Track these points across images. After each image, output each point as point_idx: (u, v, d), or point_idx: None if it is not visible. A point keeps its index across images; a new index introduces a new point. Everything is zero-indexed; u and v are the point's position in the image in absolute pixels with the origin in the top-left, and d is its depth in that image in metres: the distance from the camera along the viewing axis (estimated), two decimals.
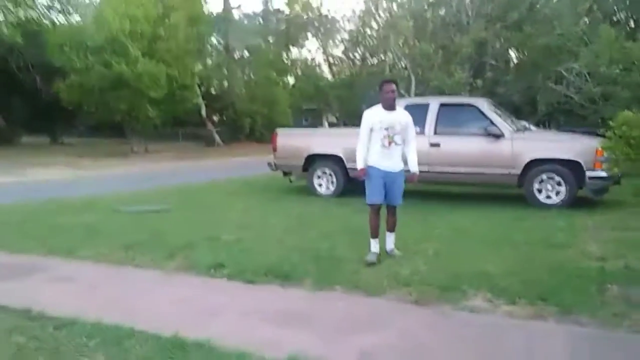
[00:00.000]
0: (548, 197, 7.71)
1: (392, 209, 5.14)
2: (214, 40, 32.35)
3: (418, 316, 3.74)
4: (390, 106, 4.89)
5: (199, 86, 27.35)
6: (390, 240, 5.16)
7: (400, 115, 4.96)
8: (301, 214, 7.47)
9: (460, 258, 5.04)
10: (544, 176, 7.68)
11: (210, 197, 9.41)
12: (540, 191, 7.74)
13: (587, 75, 14.43)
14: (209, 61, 31.48)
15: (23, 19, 23.29)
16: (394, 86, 4.90)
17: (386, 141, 4.86)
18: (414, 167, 5.16)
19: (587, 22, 15.32)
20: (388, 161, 4.92)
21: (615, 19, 19.39)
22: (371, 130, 4.88)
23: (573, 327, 3.49)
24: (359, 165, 4.97)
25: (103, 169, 17.28)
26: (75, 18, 24.42)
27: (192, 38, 23.03)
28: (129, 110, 21.06)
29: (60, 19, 25.08)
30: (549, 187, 7.69)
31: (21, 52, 23.16)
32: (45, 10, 24.09)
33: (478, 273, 4.54)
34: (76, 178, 14.80)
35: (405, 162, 5.13)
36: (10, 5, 21.49)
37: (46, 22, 24.79)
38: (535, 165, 7.72)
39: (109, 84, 19.98)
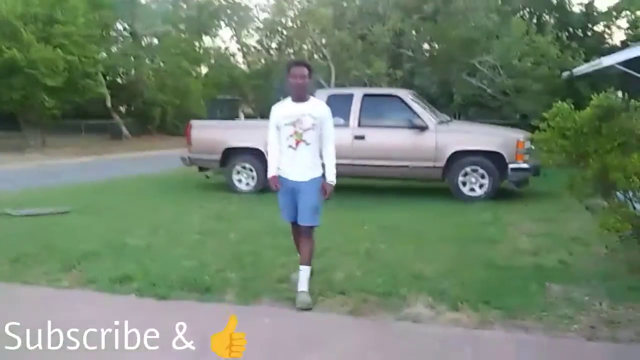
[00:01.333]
0: (472, 189, 7.66)
1: (304, 231, 3.91)
2: (119, 26, 30.33)
3: (357, 330, 3.35)
4: (298, 96, 3.84)
5: (104, 75, 25.49)
6: (302, 276, 3.77)
7: (313, 108, 3.85)
8: (220, 213, 6.87)
9: (394, 258, 4.75)
10: (468, 169, 7.62)
11: (115, 196, 8.51)
12: (464, 184, 7.68)
13: (499, 68, 14.87)
14: (114, 49, 29.44)
15: None
16: (305, 70, 3.82)
17: (293, 140, 3.80)
18: (330, 176, 3.92)
19: (498, 16, 15.78)
20: (295, 167, 3.85)
21: (520, 14, 20.31)
22: (277, 128, 3.87)
23: (521, 334, 3.26)
24: (269, 172, 3.95)
25: None
26: None
27: (94, 23, 21.32)
28: (22, 100, 19.09)
29: None
30: (473, 179, 7.64)
31: None
32: None
33: (415, 274, 4.26)
34: None
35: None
36: None
37: None
38: (459, 158, 7.64)
39: None
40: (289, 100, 3.91)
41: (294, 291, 3.76)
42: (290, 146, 3.81)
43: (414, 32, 17.88)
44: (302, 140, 3.79)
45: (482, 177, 7.60)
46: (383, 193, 8.60)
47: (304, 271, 3.79)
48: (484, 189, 7.59)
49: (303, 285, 3.74)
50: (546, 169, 8.97)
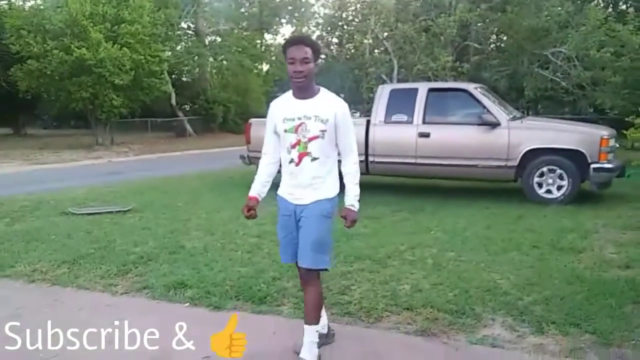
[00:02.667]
0: (549, 191, 7.05)
1: (304, 276, 2.80)
2: (183, 24, 30.97)
3: (427, 354, 2.99)
4: (300, 90, 2.71)
5: (169, 73, 26.05)
6: (306, 342, 2.76)
7: (322, 106, 2.70)
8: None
9: (464, 268, 4.34)
10: (545, 169, 7.01)
11: (176, 194, 8.49)
12: (540, 185, 7.08)
13: (575, 60, 13.85)
14: (179, 47, 30.08)
15: None
16: (305, 50, 2.62)
17: (295, 153, 2.71)
18: (350, 199, 2.76)
19: (573, 3, 14.72)
20: (298, 187, 2.78)
21: (595, 3, 18.95)
22: (276, 133, 2.80)
23: None
24: (251, 191, 2.90)
25: (63, 163, 16.11)
26: (35, 0, 22.94)
27: (159, 21, 21.75)
28: (91, 98, 19.75)
29: (18, 0, 23.59)
30: (550, 180, 7.03)
31: None
32: None
33: (489, 288, 3.85)
34: (32, 173, 13.65)
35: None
36: None
37: (3, 4, 23.24)
38: (534, 157, 7.05)
39: (69, 69, 18.66)
40: (289, 94, 2.79)
41: None
42: (291, 160, 2.73)
43: (480, 24, 17.09)
44: (307, 153, 2.70)
45: (561, 177, 6.96)
46: (448, 194, 8.10)
47: (308, 334, 2.75)
48: (563, 190, 6.95)
49: (306, 353, 2.75)
50: (631, 170, 8.25)
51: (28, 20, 19.68)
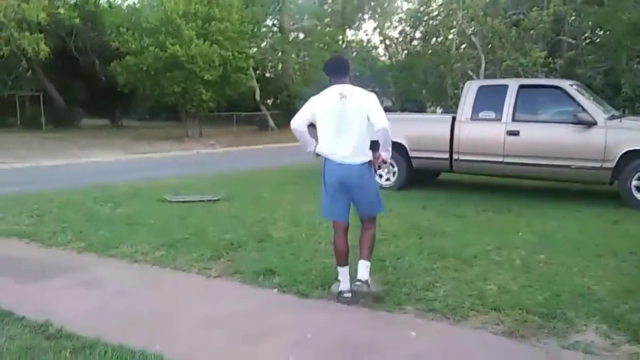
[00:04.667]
0: None
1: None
2: (268, 22, 31.75)
3: (515, 356, 2.94)
4: None
5: (254, 69, 26.83)
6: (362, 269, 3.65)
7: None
8: None
9: (555, 271, 4.19)
10: None
11: (261, 186, 8.79)
12: (638, 189, 6.66)
13: None
14: (264, 43, 30.88)
15: None
16: None
17: None
18: None
19: None
20: None
21: None
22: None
23: None
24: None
25: (156, 153, 17.10)
26: None
27: (246, 19, 22.47)
28: (183, 93, 20.80)
29: (117, 0, 25.23)
30: None
31: (79, 34, 23.33)
32: None
33: (582, 293, 3.71)
34: (128, 162, 14.62)
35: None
36: None
37: (103, 3, 24.93)
38: (633, 159, 6.64)
39: (163, 65, 19.75)
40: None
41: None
42: None
43: (574, 17, 16.19)
44: None
45: None
46: (534, 195, 7.81)
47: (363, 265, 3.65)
48: None
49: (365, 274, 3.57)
50: None
51: (126, 18, 21.08)
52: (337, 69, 3.79)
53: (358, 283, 3.48)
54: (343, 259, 3.67)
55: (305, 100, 3.83)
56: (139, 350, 2.84)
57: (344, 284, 3.62)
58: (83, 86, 27.00)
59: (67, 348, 2.89)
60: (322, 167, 3.66)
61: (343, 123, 3.52)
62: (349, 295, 3.55)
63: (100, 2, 24.78)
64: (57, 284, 4.04)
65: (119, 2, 25.36)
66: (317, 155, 3.73)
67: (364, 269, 3.54)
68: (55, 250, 4.97)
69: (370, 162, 3.64)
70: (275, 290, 3.86)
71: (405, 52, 24.50)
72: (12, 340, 2.99)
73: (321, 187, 3.71)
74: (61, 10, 20.85)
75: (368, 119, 3.51)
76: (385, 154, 3.70)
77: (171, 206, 6.88)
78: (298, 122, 3.71)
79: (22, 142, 18.72)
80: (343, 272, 3.65)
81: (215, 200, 7.18)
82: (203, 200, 7.14)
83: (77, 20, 21.26)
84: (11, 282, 4.05)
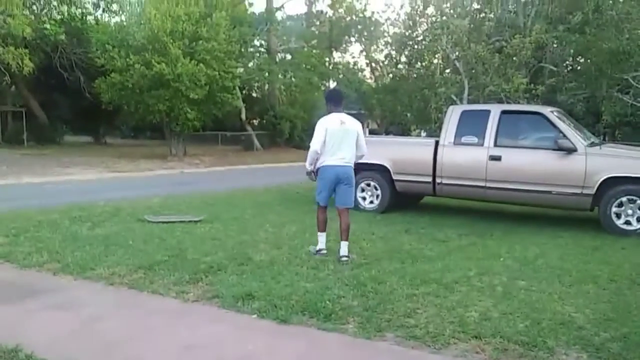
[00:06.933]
0: (627, 222, 6.70)
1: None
2: (256, 42, 31.94)
3: None
4: None
5: (240, 89, 26.88)
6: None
7: None
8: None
9: (536, 298, 4.18)
10: (624, 199, 6.68)
11: (244, 206, 8.72)
12: (618, 216, 6.74)
13: None
14: (251, 63, 31.03)
15: (67, 15, 23.36)
16: None
17: None
18: None
19: None
20: None
21: None
22: None
23: None
24: None
25: (139, 172, 16.94)
26: (119, 17, 24.44)
27: (233, 39, 22.56)
28: (168, 111, 20.69)
29: (104, 16, 25.18)
30: (630, 211, 6.68)
31: (65, 50, 23.21)
32: (90, 8, 24.14)
33: (563, 321, 3.70)
34: (110, 180, 14.46)
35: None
36: (55, 2, 21.54)
37: (90, 19, 24.86)
38: (613, 185, 6.73)
39: (149, 83, 19.67)
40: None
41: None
42: None
43: (556, 45, 16.53)
44: None
45: None
46: (516, 220, 7.86)
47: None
48: None
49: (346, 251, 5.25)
50: None
51: (113, 36, 20.98)
52: (337, 99, 5.42)
53: (343, 258, 5.10)
54: (323, 226, 5.35)
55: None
56: None
57: (321, 244, 5.34)
58: (67, 103, 26.73)
59: None
60: (321, 170, 5.31)
61: (343, 140, 5.21)
62: (324, 252, 5.29)
63: (87, 18, 24.70)
64: (30, 306, 3.93)
65: (106, 19, 25.29)
66: (312, 173, 5.48)
67: (345, 247, 5.18)
68: (30, 271, 4.84)
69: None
70: (254, 315, 3.79)
71: (391, 75, 24.73)
72: None
73: (318, 183, 5.37)
74: (47, 26, 20.73)
75: (357, 139, 5.29)
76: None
77: (151, 227, 6.77)
78: (318, 146, 5.20)
79: (2, 158, 18.43)
80: (321, 236, 5.34)
81: (196, 221, 7.10)
82: (184, 221, 7.06)
83: (63, 36, 21.15)
84: None
